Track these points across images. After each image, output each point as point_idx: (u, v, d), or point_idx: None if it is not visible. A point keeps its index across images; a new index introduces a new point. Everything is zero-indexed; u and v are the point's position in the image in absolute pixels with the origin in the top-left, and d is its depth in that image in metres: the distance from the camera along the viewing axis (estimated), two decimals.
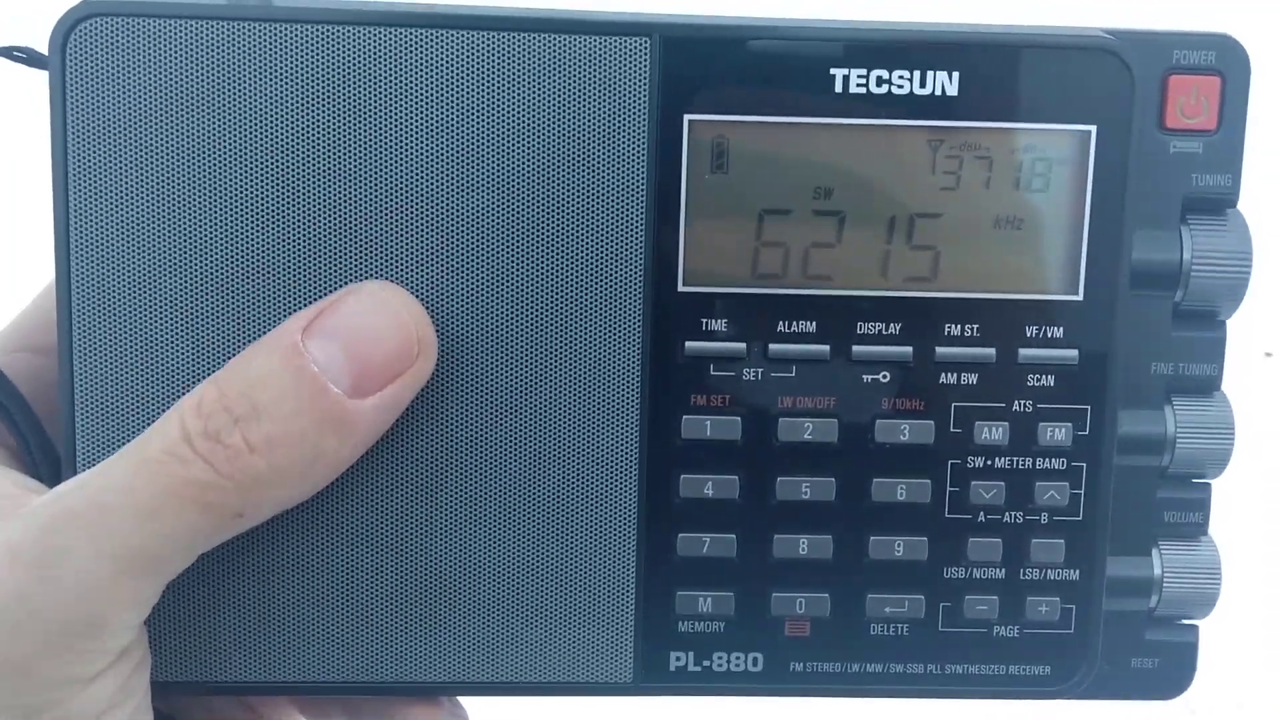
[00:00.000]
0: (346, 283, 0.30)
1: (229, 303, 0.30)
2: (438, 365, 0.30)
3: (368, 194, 0.30)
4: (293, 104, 0.30)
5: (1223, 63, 0.31)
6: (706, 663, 0.33)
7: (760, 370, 0.31)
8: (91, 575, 0.27)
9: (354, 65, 0.30)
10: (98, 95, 0.29)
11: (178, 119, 0.30)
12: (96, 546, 0.27)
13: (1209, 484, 0.34)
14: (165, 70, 0.29)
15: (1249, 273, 0.32)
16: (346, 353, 0.28)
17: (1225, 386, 0.33)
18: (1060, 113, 0.31)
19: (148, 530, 0.27)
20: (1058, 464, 0.32)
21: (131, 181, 0.30)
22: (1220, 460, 0.33)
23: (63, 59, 0.29)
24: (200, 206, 0.30)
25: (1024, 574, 0.33)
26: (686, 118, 0.30)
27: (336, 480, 0.30)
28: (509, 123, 0.30)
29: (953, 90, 0.31)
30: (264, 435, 0.27)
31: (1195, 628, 0.34)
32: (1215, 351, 0.33)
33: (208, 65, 0.29)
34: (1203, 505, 0.33)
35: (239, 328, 0.30)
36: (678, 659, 0.32)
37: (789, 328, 0.31)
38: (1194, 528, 0.33)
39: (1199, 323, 0.33)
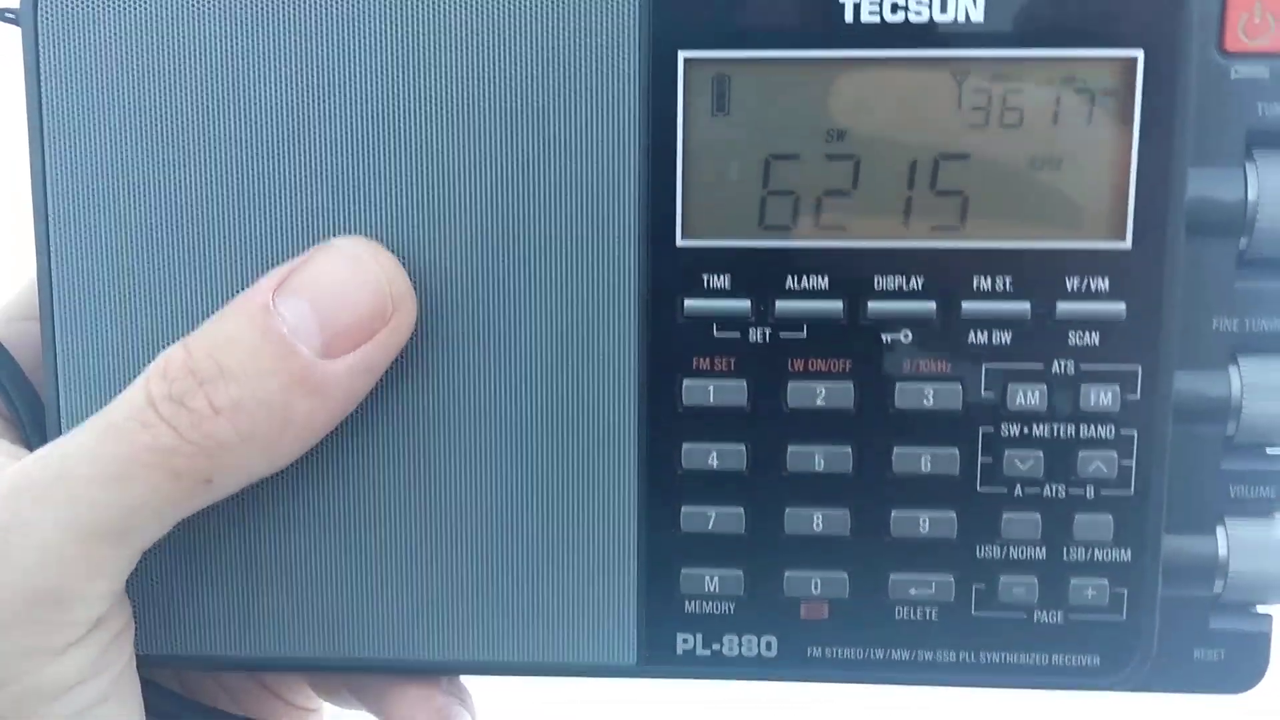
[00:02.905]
0: (326, 238, 0.28)
1: (209, 263, 0.28)
2: (419, 327, 0.28)
3: (346, 144, 0.28)
4: (266, 53, 0.27)
5: None
6: (716, 645, 0.29)
7: (768, 330, 0.28)
8: (54, 544, 0.25)
9: (327, 7, 0.27)
10: (69, 53, 0.28)
11: (149, 75, 0.28)
12: (57, 514, 0.25)
13: None
14: (134, 26, 0.27)
15: None
16: (317, 312, 0.26)
17: None
18: (1102, 37, 0.27)
19: (111, 497, 0.25)
20: (1104, 431, 0.28)
21: (105, 141, 0.28)
22: None
23: (34, 15, 0.27)
24: (176, 164, 0.28)
25: (1067, 554, 0.28)
26: (682, 55, 0.27)
27: (319, 448, 0.27)
28: (487, 64, 0.27)
29: (978, 16, 0.27)
30: (230, 398, 0.25)
31: (1268, 616, 0.29)
32: None
33: (178, 18, 0.27)
34: (1274, 479, 0.29)
35: (220, 288, 0.28)
36: (685, 641, 0.29)
37: (799, 284, 0.28)
38: (1264, 504, 0.29)
39: (1267, 272, 0.28)
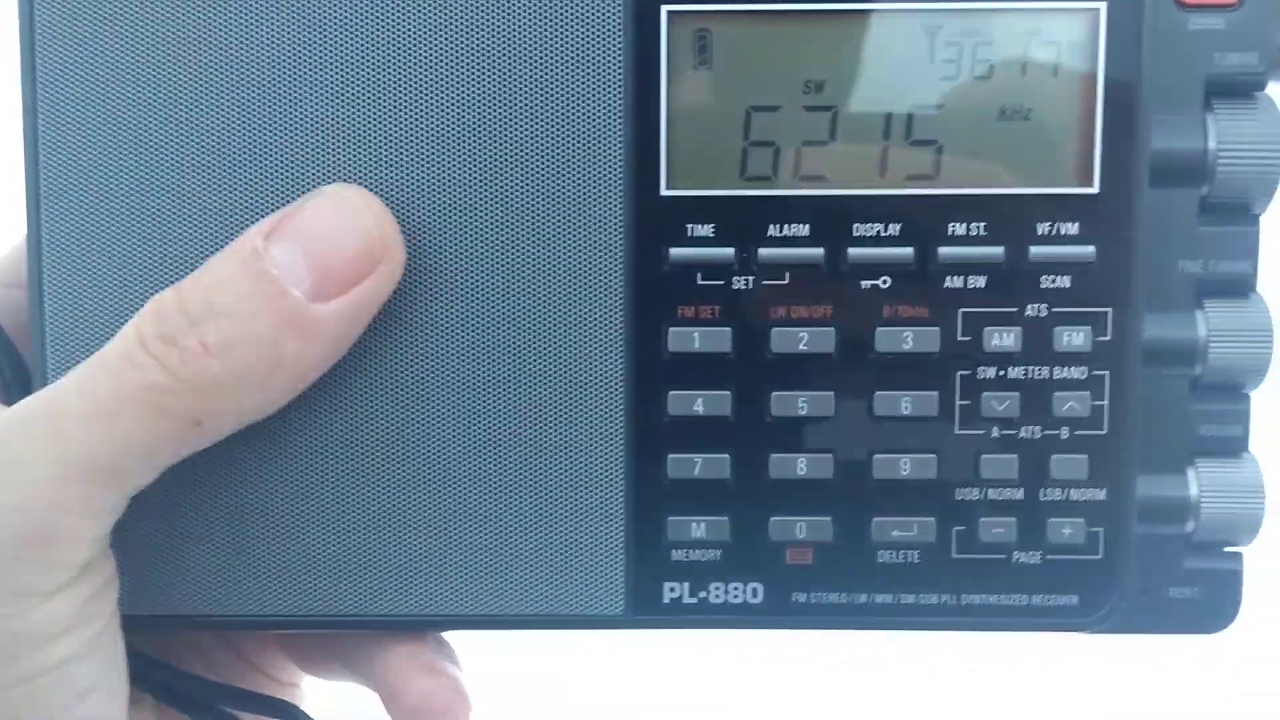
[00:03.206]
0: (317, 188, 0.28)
1: (199, 224, 0.28)
2: (407, 277, 0.28)
3: (333, 98, 0.28)
4: (254, 7, 0.28)
5: None
6: (703, 594, 0.29)
7: (750, 278, 0.28)
8: (42, 480, 0.25)
9: None
10: (62, 16, 0.28)
11: (139, 35, 0.28)
12: (46, 451, 0.25)
13: (1248, 395, 0.30)
14: None
15: None
16: (306, 255, 0.26)
17: (1261, 287, 0.29)
18: None
19: (100, 434, 0.25)
20: (1077, 372, 0.29)
21: (96, 103, 0.28)
22: (1258, 368, 0.29)
23: None
24: (166, 125, 0.28)
25: (1044, 494, 0.29)
26: (665, 8, 0.28)
27: (307, 397, 0.27)
28: (472, 15, 0.28)
29: None
30: (221, 337, 0.25)
31: (1239, 555, 0.30)
32: (1249, 248, 0.29)
33: None
34: (1241, 418, 0.29)
35: (211, 241, 0.28)
36: (672, 590, 0.29)
37: (780, 232, 0.28)
38: (1233, 442, 0.29)
39: (1230, 217, 0.29)
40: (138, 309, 0.26)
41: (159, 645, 0.32)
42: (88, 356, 0.26)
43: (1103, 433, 0.29)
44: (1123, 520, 0.29)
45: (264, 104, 0.28)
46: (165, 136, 0.28)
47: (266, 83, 0.28)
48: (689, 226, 0.29)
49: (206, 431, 0.26)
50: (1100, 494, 0.29)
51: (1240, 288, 0.29)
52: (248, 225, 0.27)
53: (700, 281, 0.29)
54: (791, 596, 0.29)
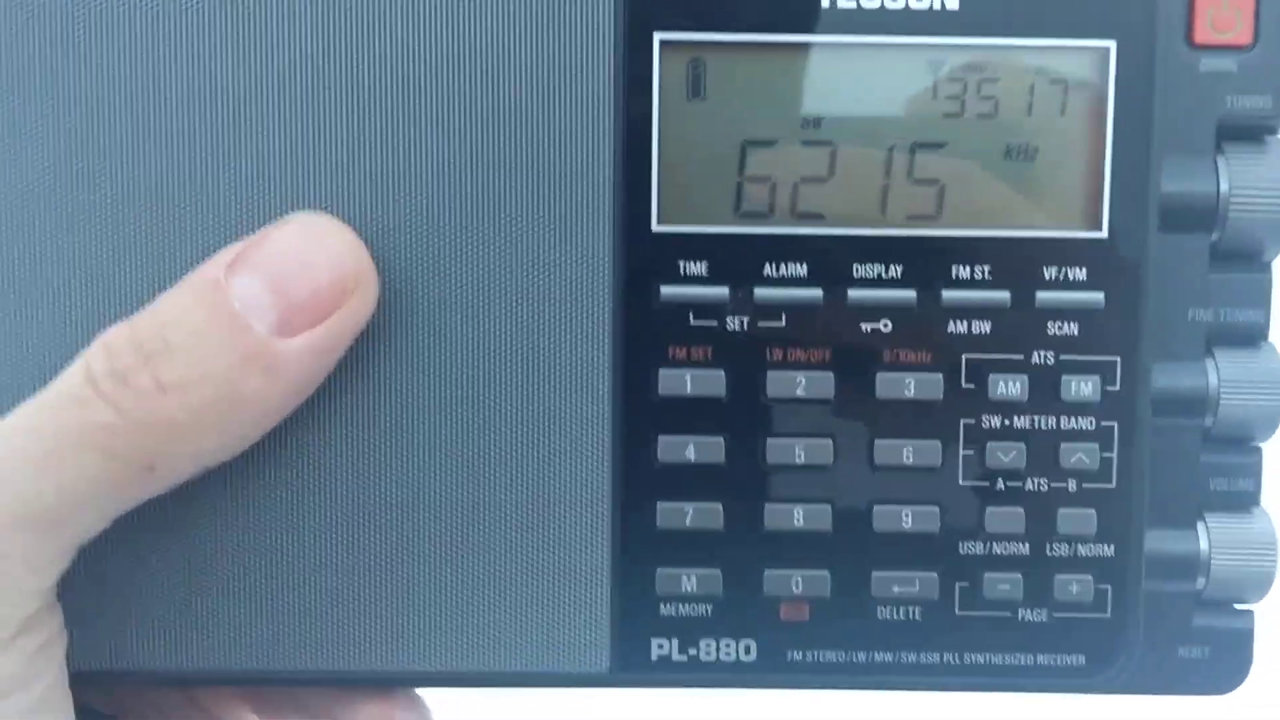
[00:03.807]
0: (284, 215, 0.26)
1: (154, 244, 0.26)
2: (382, 311, 0.26)
3: (309, 122, 0.26)
4: (222, 24, 0.26)
5: None
6: (693, 651, 0.27)
7: (745, 319, 0.27)
8: None
9: None
10: (11, 28, 0.26)
11: (98, 45, 0.26)
12: None
13: (1259, 448, 0.28)
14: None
15: None
16: (271, 287, 0.24)
17: (1275, 336, 0.28)
18: (1075, 27, 0.26)
19: (43, 480, 0.23)
20: (1085, 423, 0.27)
21: (48, 115, 0.26)
22: (1270, 419, 0.28)
23: None
24: (124, 141, 0.26)
25: (1051, 549, 0.27)
26: (658, 37, 0.26)
27: (269, 437, 0.25)
28: (458, 43, 0.26)
29: (954, 4, 0.26)
30: (177, 374, 0.23)
31: (1250, 613, 0.28)
32: (1260, 296, 0.28)
33: None
34: (1253, 471, 0.28)
35: (167, 271, 0.26)
36: (660, 646, 0.27)
37: (777, 271, 0.27)
38: (1244, 497, 0.28)
39: (1240, 264, 0.28)
40: (85, 344, 0.24)
41: (113, 701, 0.29)
42: (30, 396, 0.24)
43: (1111, 486, 0.27)
44: (1131, 577, 0.27)
45: (229, 124, 0.26)
46: (117, 157, 0.26)
47: (232, 102, 0.26)
48: (681, 264, 0.27)
49: (160, 477, 0.24)
50: (1108, 550, 0.27)
51: (1252, 336, 0.28)
52: (208, 254, 0.25)
53: (692, 322, 0.27)
54: (786, 654, 0.28)
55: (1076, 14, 0.26)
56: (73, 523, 0.24)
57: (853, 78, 0.27)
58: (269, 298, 0.24)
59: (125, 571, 0.27)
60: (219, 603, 0.27)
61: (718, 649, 0.28)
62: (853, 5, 0.26)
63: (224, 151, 0.26)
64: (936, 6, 0.27)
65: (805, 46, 0.27)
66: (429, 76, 0.26)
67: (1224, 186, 0.27)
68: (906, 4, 0.26)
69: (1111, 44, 0.27)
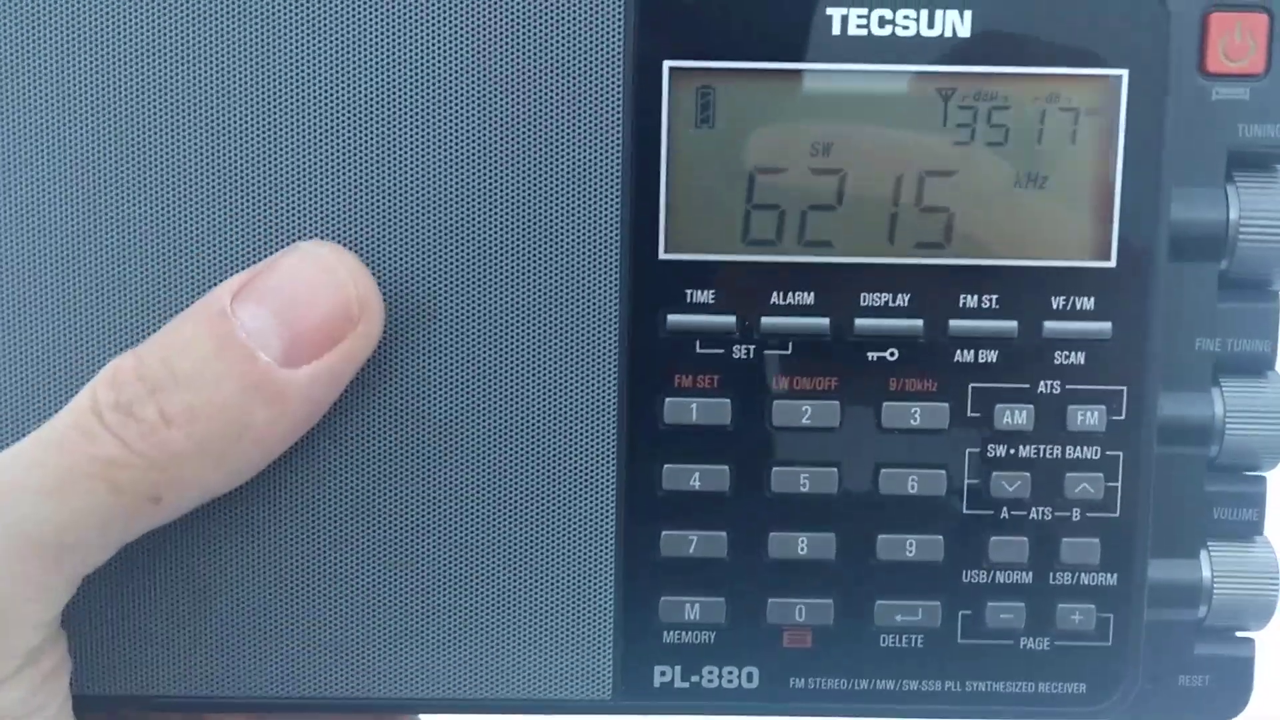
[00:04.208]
0: (290, 244, 0.26)
1: (160, 271, 0.26)
2: (388, 338, 0.26)
3: (316, 149, 0.26)
4: (226, 47, 0.26)
5: None
6: (695, 678, 0.27)
7: (752, 347, 0.27)
8: None
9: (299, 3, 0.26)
10: (6, 52, 0.25)
11: (97, 69, 0.26)
12: None
13: (1263, 477, 0.28)
14: (74, 21, 0.25)
15: None
16: (277, 317, 0.24)
17: None
18: (1087, 56, 0.26)
19: (50, 512, 0.22)
20: (1090, 453, 0.27)
21: (50, 140, 0.26)
22: (1276, 449, 0.28)
23: None
24: (126, 166, 0.26)
25: (1054, 578, 0.27)
26: (667, 64, 0.26)
27: (276, 466, 0.25)
28: (466, 69, 0.26)
29: (965, 31, 0.26)
30: (183, 406, 0.23)
31: (1251, 641, 0.28)
32: (1268, 326, 0.27)
33: (125, 10, 0.25)
34: (1257, 500, 0.28)
35: (175, 300, 0.26)
36: (663, 673, 0.27)
37: (784, 299, 0.27)
38: (1247, 526, 0.28)
39: (1249, 293, 0.27)
40: (92, 373, 0.24)
41: (112, 716, 0.29)
42: (35, 426, 0.24)
43: (1115, 516, 0.27)
44: (1133, 606, 0.27)
45: (235, 149, 0.26)
46: (122, 183, 0.26)
47: (239, 127, 0.26)
48: (688, 292, 0.27)
49: (166, 508, 0.24)
50: (1111, 579, 0.27)
51: (1258, 365, 0.28)
52: (214, 282, 0.25)
53: (699, 350, 0.27)
54: (789, 681, 0.27)
55: (1089, 43, 0.26)
56: (78, 553, 0.23)
57: (862, 105, 0.26)
58: (275, 327, 0.24)
59: (130, 597, 0.27)
60: (223, 629, 0.27)
61: (720, 676, 0.27)
62: (863, 33, 0.26)
63: (229, 179, 0.26)
64: (948, 34, 0.26)
65: (815, 74, 0.26)
66: (437, 104, 0.26)
67: (1234, 214, 0.27)
68: (917, 31, 0.26)
69: (1124, 73, 0.26)
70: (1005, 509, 0.27)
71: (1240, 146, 0.27)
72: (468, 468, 0.27)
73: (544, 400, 0.27)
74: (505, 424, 0.27)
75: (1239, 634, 0.28)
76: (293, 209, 0.26)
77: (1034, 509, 0.27)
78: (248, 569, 0.27)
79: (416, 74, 0.26)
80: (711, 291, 0.27)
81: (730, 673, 0.27)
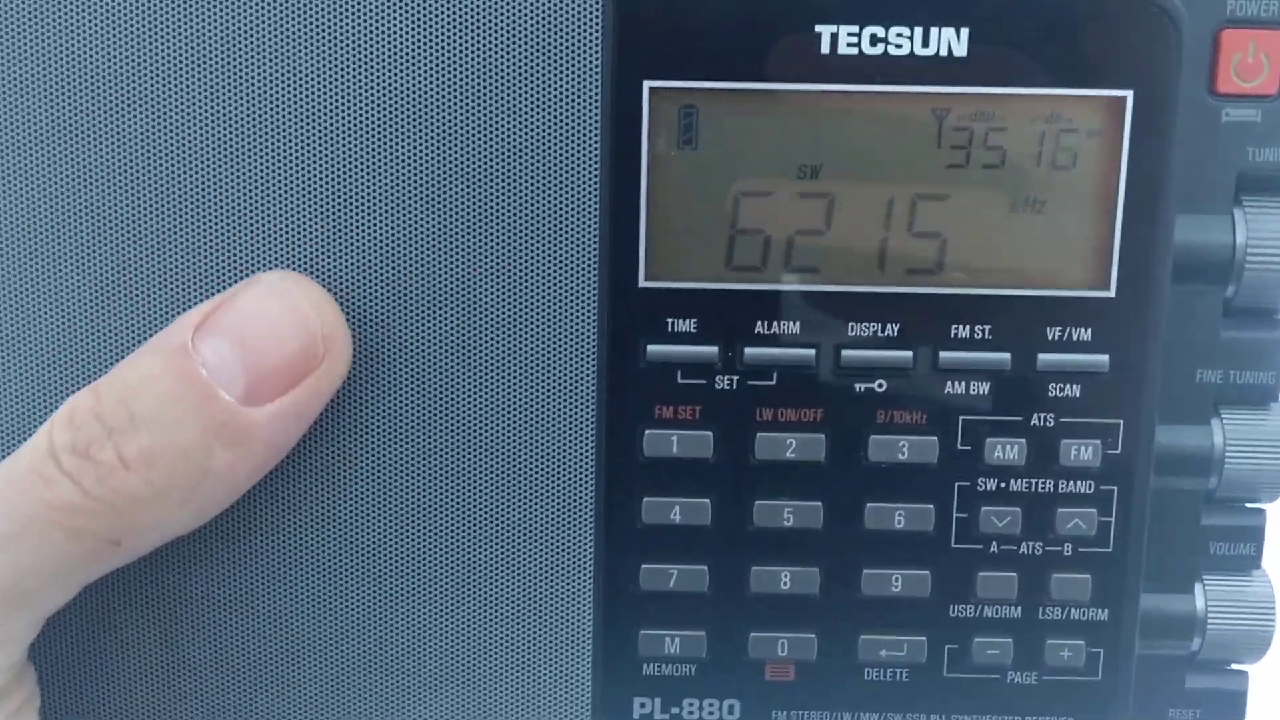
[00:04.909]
0: (256, 272, 0.24)
1: (121, 302, 0.25)
2: (357, 371, 0.25)
3: (282, 177, 0.25)
4: (189, 74, 0.24)
5: None
6: (675, 709, 0.27)
7: (735, 378, 0.25)
8: None
9: (261, 29, 0.24)
10: None
11: (59, 98, 0.24)
12: None
13: (1263, 509, 0.27)
14: (36, 48, 0.24)
15: None
16: (240, 353, 0.23)
17: None
18: (1090, 75, 0.24)
19: (7, 557, 0.22)
20: (1084, 487, 0.26)
21: (6, 169, 0.24)
22: (1276, 481, 0.26)
23: None
24: (85, 195, 0.25)
25: (1043, 613, 0.26)
26: (647, 84, 0.24)
27: (241, 505, 0.24)
28: (440, 91, 0.24)
29: (961, 50, 0.24)
30: (141, 448, 0.22)
31: (1245, 674, 0.27)
32: (1272, 355, 0.26)
33: (82, 42, 0.24)
34: (1255, 535, 0.27)
35: (135, 331, 0.25)
36: (642, 706, 0.27)
37: (769, 329, 0.25)
38: (1245, 561, 0.27)
39: (1254, 322, 0.26)
40: (54, 404, 0.23)
41: None
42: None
43: (1108, 551, 0.26)
44: (1124, 641, 0.26)
45: (197, 181, 0.25)
46: (83, 215, 0.25)
47: (199, 159, 0.24)
48: (669, 321, 0.25)
49: (126, 550, 0.23)
50: (1102, 615, 0.26)
51: (1261, 397, 0.26)
52: (174, 312, 0.24)
53: (680, 380, 0.26)
54: (770, 714, 0.27)
55: (1091, 62, 0.24)
56: (39, 597, 0.23)
57: (853, 126, 0.25)
58: (237, 365, 0.23)
59: (100, 634, 0.26)
60: (193, 668, 0.26)
61: (700, 709, 0.27)
62: (853, 51, 0.24)
63: (195, 206, 0.25)
64: (943, 53, 0.25)
65: (804, 94, 0.25)
66: (411, 126, 0.25)
67: (1240, 239, 0.26)
68: (911, 50, 0.25)
69: (1129, 94, 0.25)
70: (994, 544, 0.26)
71: (1250, 169, 0.25)
72: (444, 501, 0.26)
73: (521, 432, 0.26)
74: (481, 456, 0.26)
75: (1233, 667, 0.28)
76: (257, 233, 0.25)
77: (1024, 544, 0.26)
78: (217, 609, 0.26)
79: (389, 98, 0.24)
80: (694, 320, 0.26)
81: (711, 705, 0.27)
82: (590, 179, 0.25)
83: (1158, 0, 0.24)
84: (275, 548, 0.26)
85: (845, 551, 0.26)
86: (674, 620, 0.26)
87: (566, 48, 0.24)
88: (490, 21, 0.24)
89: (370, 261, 0.25)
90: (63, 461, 0.22)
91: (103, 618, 0.26)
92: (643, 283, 0.25)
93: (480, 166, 0.25)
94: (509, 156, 0.25)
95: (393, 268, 0.25)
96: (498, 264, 0.25)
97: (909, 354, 0.26)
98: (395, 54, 0.24)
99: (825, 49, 0.24)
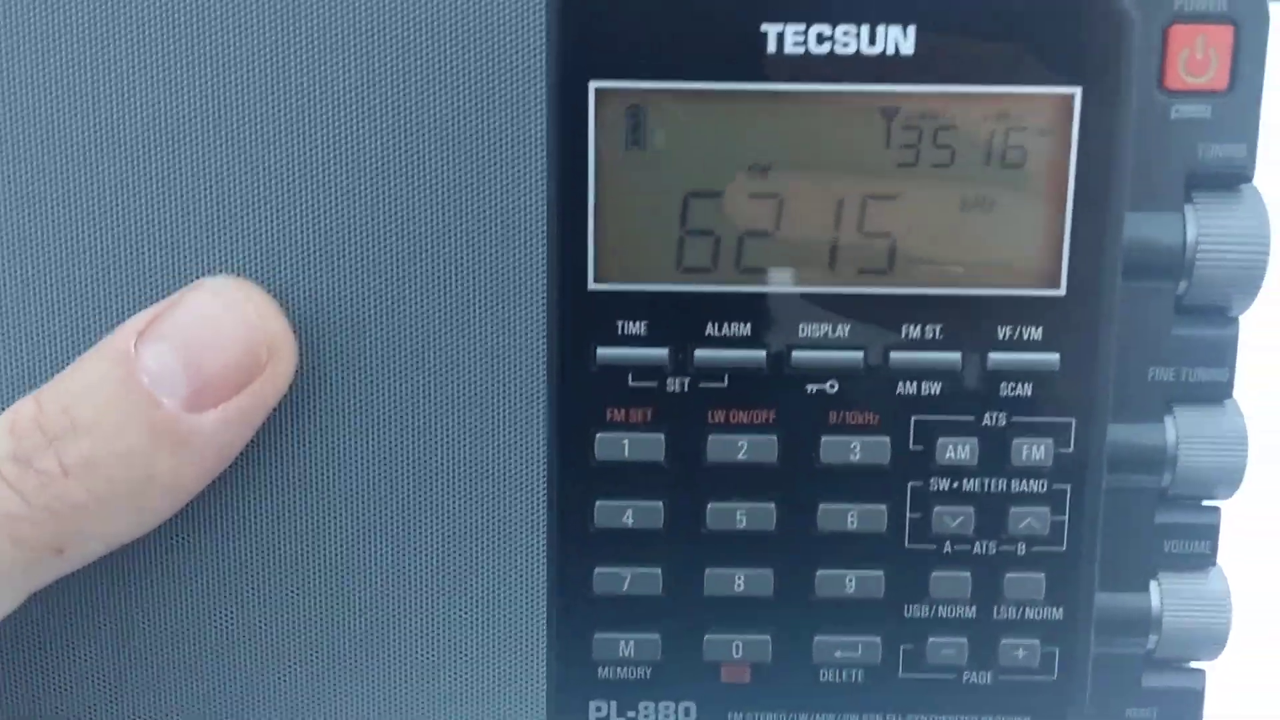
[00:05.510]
0: (200, 277, 0.24)
1: (63, 307, 0.24)
2: (302, 376, 0.24)
3: (223, 176, 0.24)
4: (132, 73, 0.24)
5: (1236, 8, 0.24)
6: (631, 713, 0.26)
7: (686, 380, 0.25)
8: None
9: (204, 29, 0.24)
10: None
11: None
12: None
13: (1218, 507, 0.27)
14: None
15: (1265, 259, 0.25)
16: (182, 359, 0.22)
17: (1238, 394, 0.26)
18: (1038, 72, 0.24)
19: None
20: (1036, 486, 0.26)
21: None
22: (1231, 479, 0.26)
23: None
24: (23, 198, 0.24)
25: (997, 613, 0.26)
26: (593, 85, 0.24)
27: (191, 506, 0.24)
28: (380, 91, 0.24)
29: (908, 48, 0.24)
30: (82, 456, 0.22)
31: (1201, 672, 0.27)
32: (1225, 353, 0.26)
33: (27, 39, 0.24)
34: (1210, 532, 0.27)
35: (78, 336, 0.24)
36: (598, 709, 0.26)
37: (719, 330, 0.25)
38: (1200, 559, 0.27)
39: (1206, 319, 0.26)
40: None
41: None
42: None
43: (1061, 550, 0.26)
44: (1079, 640, 0.26)
45: (141, 179, 0.24)
46: (21, 218, 0.24)
47: (139, 159, 0.24)
48: (619, 323, 0.25)
49: (70, 558, 0.23)
50: (1057, 613, 0.26)
51: (1215, 393, 0.26)
52: (117, 318, 0.24)
53: (631, 383, 0.25)
54: (727, 715, 0.27)
55: (1041, 58, 0.24)
56: None
57: (801, 127, 0.25)
58: (180, 371, 0.22)
59: (51, 635, 0.26)
60: (145, 668, 0.26)
61: (656, 711, 0.27)
62: (800, 50, 0.24)
63: (138, 207, 0.24)
64: (890, 52, 0.24)
65: (751, 94, 0.24)
66: (351, 129, 0.24)
67: (1191, 236, 0.25)
68: (858, 49, 0.24)
69: (1077, 90, 0.24)
70: (948, 544, 0.26)
71: (1200, 166, 0.25)
72: (393, 506, 0.25)
73: (471, 437, 0.25)
74: (432, 462, 0.25)
75: (1190, 665, 0.27)
76: (201, 237, 0.24)
77: (977, 544, 0.26)
78: (169, 606, 0.26)
79: (330, 98, 0.24)
80: (644, 322, 0.25)
81: (667, 708, 0.27)
82: (537, 181, 0.25)
83: None
84: (224, 553, 0.25)
85: (799, 553, 0.26)
86: (628, 623, 0.26)
87: (510, 48, 0.24)
88: (432, 22, 0.24)
89: (316, 266, 0.25)
90: (3, 470, 0.22)
91: (53, 622, 0.26)
92: (592, 285, 0.25)
93: (425, 169, 0.24)
94: (454, 159, 0.24)
95: (339, 271, 0.25)
96: (445, 267, 0.25)
97: (860, 354, 0.25)
98: (336, 55, 0.24)
99: (772, 48, 0.24)
